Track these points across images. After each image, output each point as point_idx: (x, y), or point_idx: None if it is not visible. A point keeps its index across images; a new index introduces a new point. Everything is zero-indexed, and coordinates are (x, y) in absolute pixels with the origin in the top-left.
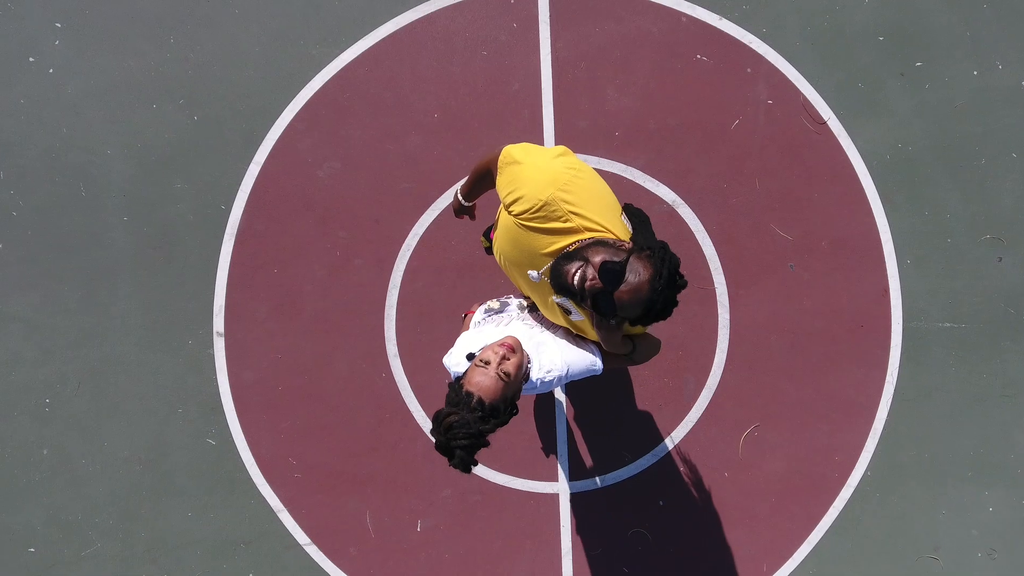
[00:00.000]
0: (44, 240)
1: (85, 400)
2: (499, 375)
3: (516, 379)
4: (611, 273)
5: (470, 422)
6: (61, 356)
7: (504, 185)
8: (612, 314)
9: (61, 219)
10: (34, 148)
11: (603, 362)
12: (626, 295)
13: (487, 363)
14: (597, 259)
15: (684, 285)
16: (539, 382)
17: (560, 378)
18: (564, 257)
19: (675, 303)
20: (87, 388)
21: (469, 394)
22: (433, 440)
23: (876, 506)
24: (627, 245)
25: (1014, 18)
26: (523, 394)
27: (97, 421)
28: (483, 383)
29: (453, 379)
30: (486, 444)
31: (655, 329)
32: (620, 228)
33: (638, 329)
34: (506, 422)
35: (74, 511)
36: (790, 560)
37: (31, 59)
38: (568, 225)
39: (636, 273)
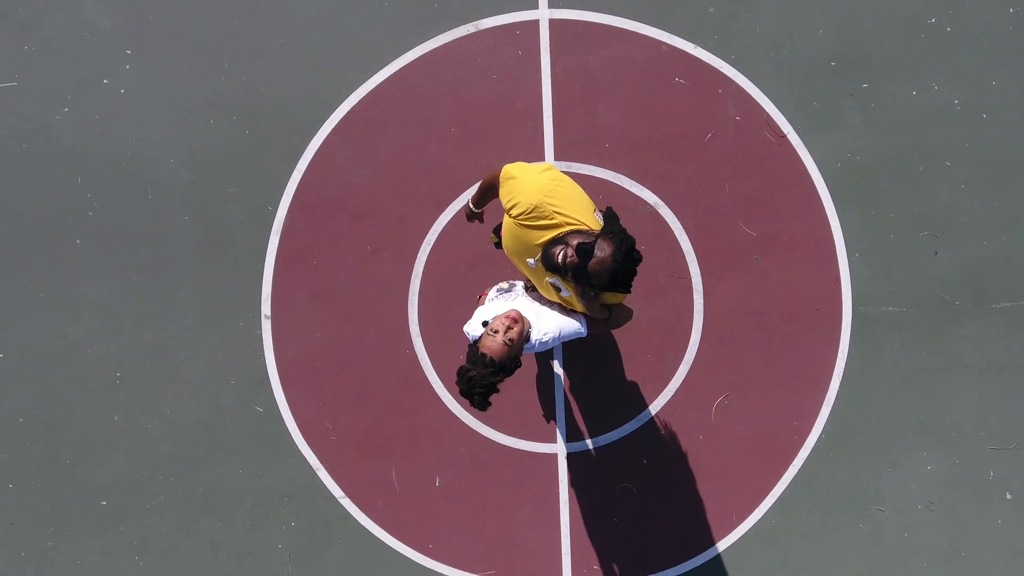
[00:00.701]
0: (116, 236)
1: (151, 373)
2: (505, 341)
3: (519, 343)
4: (584, 250)
5: (484, 376)
6: (130, 335)
7: (504, 195)
8: (588, 283)
9: (130, 218)
10: (108, 158)
11: (587, 327)
12: (596, 266)
13: (496, 331)
14: (574, 242)
15: (639, 259)
16: (537, 343)
17: (554, 339)
18: (551, 243)
19: (634, 273)
20: (153, 363)
21: (483, 355)
22: (458, 389)
23: (829, 464)
24: (597, 232)
25: (946, 46)
26: (525, 352)
27: (161, 391)
28: (493, 347)
29: (472, 342)
30: (496, 391)
31: (634, 305)
32: (593, 221)
33: (614, 299)
34: (511, 374)
35: (141, 469)
36: (756, 510)
37: (105, 81)
38: (554, 222)
39: (602, 250)
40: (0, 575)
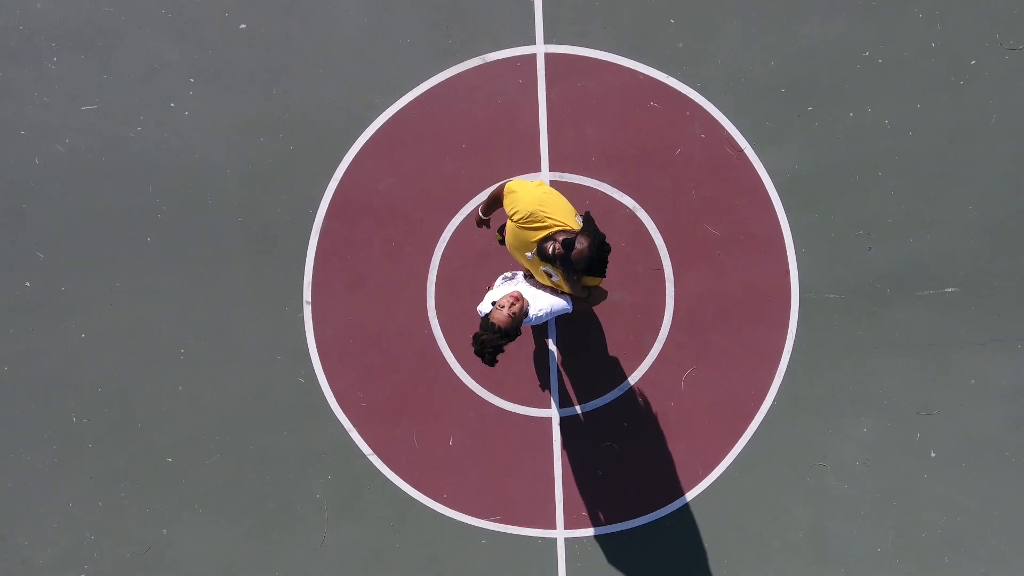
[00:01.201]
0: (180, 234)
1: (210, 350)
2: (510, 314)
3: (520, 316)
4: (568, 244)
5: (493, 339)
6: (192, 318)
7: (508, 205)
8: (571, 269)
9: (193, 219)
10: (174, 169)
11: (572, 304)
12: (576, 256)
13: (503, 307)
14: (560, 239)
15: (609, 249)
16: (534, 317)
17: (547, 313)
18: (543, 240)
19: (606, 261)
20: (212, 341)
21: (493, 324)
22: (474, 350)
23: (780, 427)
24: (577, 231)
25: (878, 75)
26: (524, 324)
27: (218, 365)
28: (500, 318)
29: (484, 316)
30: (502, 351)
31: (615, 293)
32: (574, 223)
33: (592, 282)
34: (513, 340)
35: (200, 431)
36: (719, 466)
37: (172, 104)
38: (545, 224)
39: (581, 243)
40: (81, 522)
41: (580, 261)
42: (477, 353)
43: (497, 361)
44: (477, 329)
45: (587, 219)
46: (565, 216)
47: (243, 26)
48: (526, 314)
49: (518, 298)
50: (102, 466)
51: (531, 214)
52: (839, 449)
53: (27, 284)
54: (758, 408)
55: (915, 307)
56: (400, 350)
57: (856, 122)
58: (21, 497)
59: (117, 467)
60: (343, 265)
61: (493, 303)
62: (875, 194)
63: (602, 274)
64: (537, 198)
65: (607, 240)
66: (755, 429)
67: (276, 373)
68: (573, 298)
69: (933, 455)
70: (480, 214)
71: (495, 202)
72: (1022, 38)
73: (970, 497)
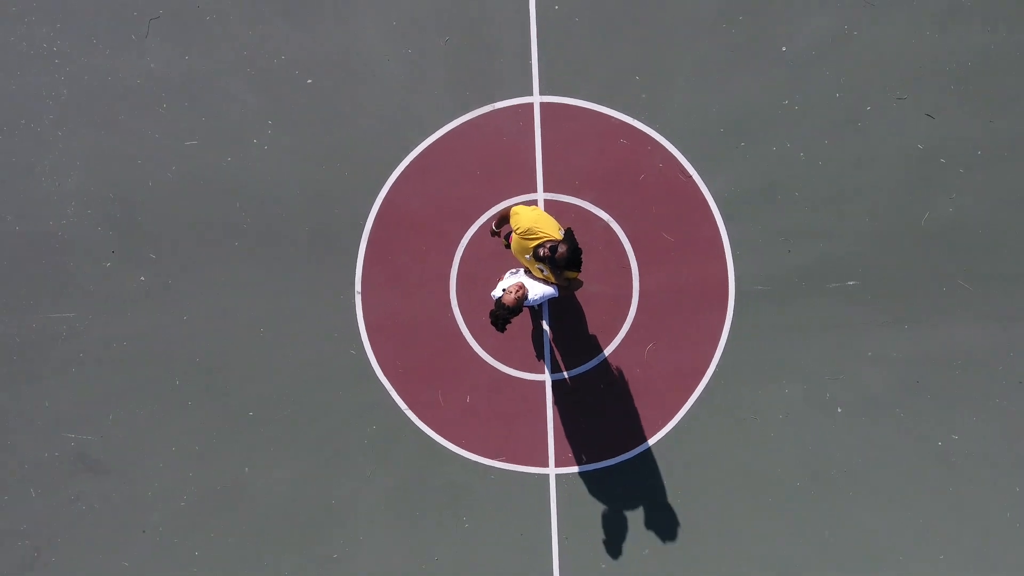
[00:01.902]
0: (260, 240)
1: (282, 329)
2: (516, 298)
3: (522, 299)
4: (553, 249)
5: (504, 315)
6: (269, 304)
7: (512, 223)
8: (556, 266)
9: (270, 228)
10: (255, 189)
11: (558, 291)
12: (559, 257)
13: (510, 292)
14: (548, 246)
15: (581, 252)
16: (532, 300)
17: (541, 297)
18: (537, 247)
19: (580, 260)
20: (284, 322)
21: (503, 304)
22: (490, 321)
23: (719, 389)
24: (560, 240)
25: (795, 117)
26: (525, 305)
27: (289, 340)
28: (508, 300)
29: (497, 299)
30: (510, 323)
31: (593, 285)
32: (558, 235)
33: (572, 275)
34: (517, 315)
35: (275, 390)
36: (674, 417)
37: (255, 140)
38: (538, 236)
39: (562, 249)
40: (181, 463)
41: (562, 260)
42: (493, 323)
43: (506, 329)
44: (490, 311)
45: (568, 232)
46: (552, 230)
47: (309, 81)
48: (526, 298)
49: (521, 287)
50: (198, 419)
51: (528, 229)
52: (766, 405)
53: (142, 278)
54: (704, 374)
55: (824, 296)
56: (429, 328)
57: (778, 154)
58: (136, 443)
59: (210, 420)
60: (386, 263)
61: (503, 290)
62: (793, 209)
63: (578, 269)
64: (533, 219)
65: (582, 246)
66: (701, 390)
67: (333, 346)
68: (558, 287)
69: (839, 411)
70: (492, 227)
71: (503, 219)
72: (906, 90)
73: (869, 443)
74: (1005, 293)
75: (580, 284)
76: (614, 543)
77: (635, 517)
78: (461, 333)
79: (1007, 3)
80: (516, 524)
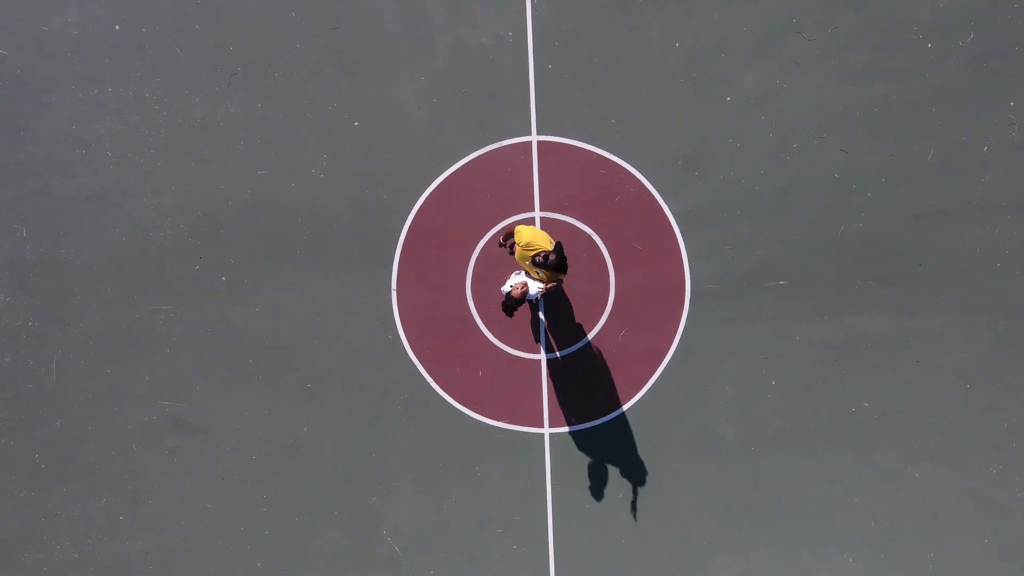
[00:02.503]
0: (316, 248)
1: (332, 319)
2: (520, 292)
3: (525, 293)
4: (546, 257)
5: (512, 304)
6: (322, 300)
7: (516, 238)
8: (548, 269)
9: (324, 239)
10: (314, 208)
11: (548, 288)
12: (550, 263)
13: (516, 288)
14: (542, 254)
15: (566, 258)
16: (532, 295)
17: (538, 292)
18: (534, 255)
19: (566, 265)
20: (334, 314)
21: (512, 297)
22: (502, 308)
23: (679, 367)
24: (551, 250)
25: (736, 154)
26: (527, 299)
27: (338, 328)
28: (515, 294)
29: (506, 293)
30: (516, 310)
31: (579, 283)
32: (550, 246)
33: (560, 276)
34: (522, 304)
35: (327, 368)
36: (642, 389)
37: (312, 170)
38: (535, 248)
39: (552, 257)
40: (252, 424)
41: (552, 265)
42: (504, 311)
43: (513, 315)
44: (502, 302)
45: (558, 245)
46: (545, 243)
47: (356, 124)
48: (528, 292)
49: (524, 284)
50: (266, 390)
51: (528, 243)
52: (713, 380)
53: (223, 278)
54: (666, 354)
55: (761, 293)
56: (450, 318)
57: (724, 181)
58: (217, 409)
59: (275, 391)
60: (416, 267)
61: (511, 287)
62: (736, 225)
63: (564, 272)
64: (531, 234)
65: (569, 255)
66: (664, 367)
67: (372, 333)
68: (550, 283)
69: (773, 383)
70: (500, 240)
71: (508, 234)
72: (825, 131)
73: (798, 408)
74: (903, 291)
75: (561, 281)
76: (596, 488)
77: (612, 467)
78: (475, 321)
79: (903, 64)
80: (518, 472)
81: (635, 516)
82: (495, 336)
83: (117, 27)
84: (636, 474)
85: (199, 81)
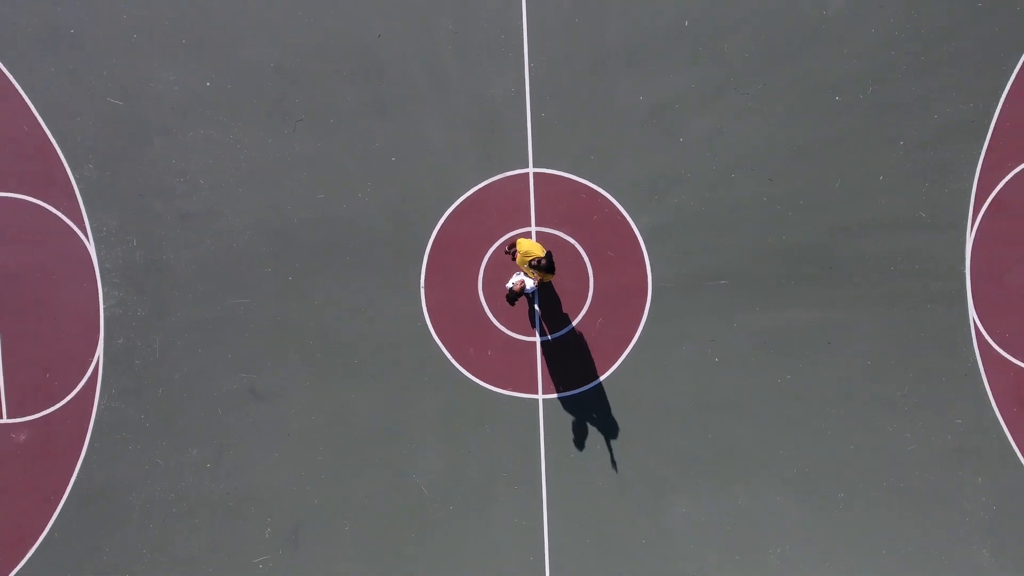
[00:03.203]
0: (363, 254)
1: (374, 311)
2: (520, 288)
3: (523, 288)
4: (538, 261)
5: (514, 296)
6: (365, 295)
7: (518, 247)
8: (540, 271)
9: (369, 248)
10: (359, 226)
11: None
12: (542, 266)
13: (517, 284)
14: (536, 259)
15: (554, 264)
16: (528, 290)
17: (532, 287)
18: (531, 260)
19: (554, 268)
20: (375, 307)
21: (513, 290)
22: (506, 299)
23: (643, 347)
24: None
25: (685, 184)
26: (524, 293)
27: (378, 319)
28: (515, 289)
29: (510, 287)
30: (517, 300)
31: (567, 282)
32: (542, 253)
33: (549, 277)
34: (520, 296)
35: (366, 351)
36: (614, 364)
37: (359, 194)
38: (531, 255)
39: (544, 262)
40: (304, 398)
41: (543, 268)
42: (508, 301)
43: (515, 304)
44: (505, 295)
45: (548, 253)
46: (539, 252)
47: (393, 159)
48: (525, 288)
49: (522, 282)
50: (321, 367)
51: (526, 252)
52: (670, 358)
53: (289, 278)
54: (632, 338)
55: (707, 290)
56: (466, 309)
57: (679, 204)
58: (283, 381)
59: (328, 368)
60: (440, 268)
61: (513, 283)
62: (688, 236)
63: (552, 273)
64: (528, 245)
65: (557, 260)
66: (631, 347)
67: (405, 320)
68: (541, 281)
69: (716, 360)
70: (505, 248)
71: (512, 245)
72: (756, 164)
73: (737, 381)
74: (818, 288)
75: (551, 280)
76: (579, 441)
77: (592, 426)
78: (485, 312)
79: (817, 112)
80: (518, 429)
81: (612, 463)
82: (500, 323)
83: (208, 84)
84: (610, 431)
85: (272, 126)
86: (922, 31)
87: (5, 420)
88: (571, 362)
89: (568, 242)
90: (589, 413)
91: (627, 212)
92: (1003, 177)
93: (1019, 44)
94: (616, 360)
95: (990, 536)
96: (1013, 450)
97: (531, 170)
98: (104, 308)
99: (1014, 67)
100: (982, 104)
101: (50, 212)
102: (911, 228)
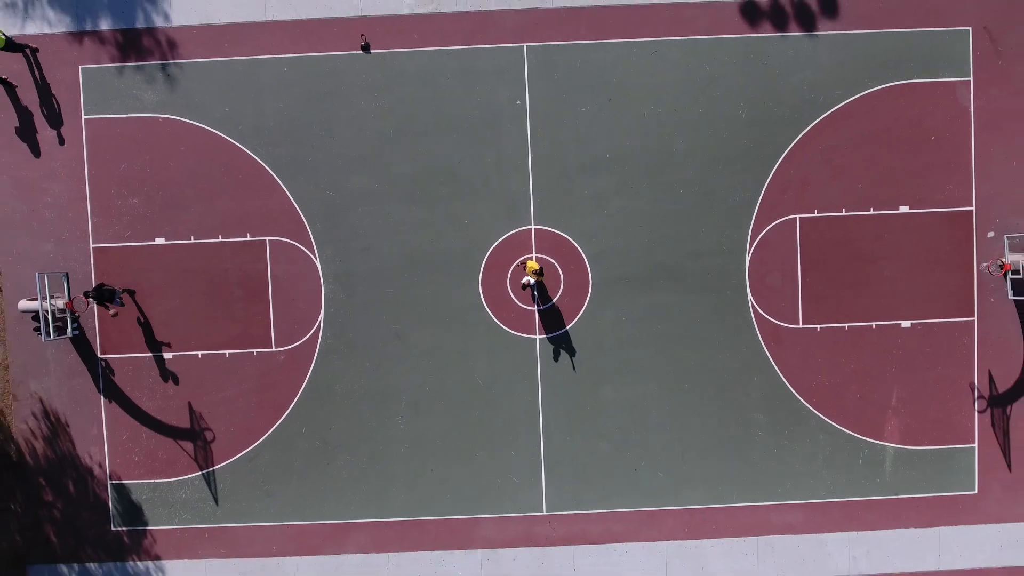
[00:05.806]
0: (440, 268)
1: (446, 308)
2: (525, 283)
3: (527, 283)
4: (534, 270)
5: (524, 287)
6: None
7: (526, 264)
8: (537, 275)
9: (443, 264)
10: (438, 251)
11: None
12: (538, 272)
13: (525, 281)
14: (536, 270)
15: (543, 273)
16: (531, 285)
17: (533, 283)
18: (532, 271)
19: (543, 274)
20: (447, 303)
21: (523, 285)
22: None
23: (586, 318)
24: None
25: (621, 229)
26: (528, 286)
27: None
28: (523, 284)
29: (522, 283)
30: (524, 290)
31: (558, 283)
32: (538, 267)
33: (541, 278)
34: (526, 289)
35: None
36: (571, 322)
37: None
38: (533, 268)
39: (539, 274)
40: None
41: (538, 273)
42: (521, 289)
43: (524, 291)
44: (518, 287)
45: (541, 268)
46: (537, 266)
47: (466, 222)
48: (529, 283)
49: (529, 280)
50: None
51: (529, 267)
52: (601, 323)
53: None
54: (582, 307)
55: (619, 285)
56: (503, 298)
57: (611, 244)
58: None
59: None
60: (491, 283)
61: (524, 281)
62: (612, 257)
63: (542, 276)
64: (531, 264)
65: (546, 272)
66: (582, 312)
67: (469, 305)
68: (538, 282)
69: (623, 319)
70: (519, 264)
71: (523, 263)
72: (643, 223)
73: (633, 329)
74: (677, 283)
75: (543, 281)
76: (557, 358)
77: (564, 352)
78: (511, 298)
79: (669, 196)
80: (522, 358)
81: (572, 367)
82: (519, 302)
83: (377, 185)
84: (575, 353)
85: (407, 207)
86: (710, 153)
87: (274, 348)
88: (553, 320)
89: (551, 261)
90: (562, 344)
91: (580, 247)
92: (766, 227)
93: (777, 149)
94: (574, 318)
95: (762, 407)
96: (769, 360)
97: (532, 227)
98: (324, 291)
99: (773, 166)
100: (751, 192)
101: (297, 247)
102: (718, 254)
